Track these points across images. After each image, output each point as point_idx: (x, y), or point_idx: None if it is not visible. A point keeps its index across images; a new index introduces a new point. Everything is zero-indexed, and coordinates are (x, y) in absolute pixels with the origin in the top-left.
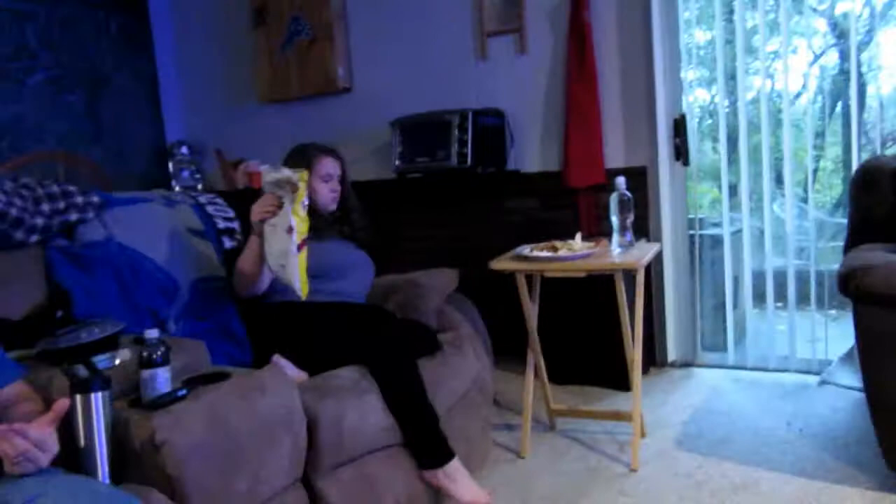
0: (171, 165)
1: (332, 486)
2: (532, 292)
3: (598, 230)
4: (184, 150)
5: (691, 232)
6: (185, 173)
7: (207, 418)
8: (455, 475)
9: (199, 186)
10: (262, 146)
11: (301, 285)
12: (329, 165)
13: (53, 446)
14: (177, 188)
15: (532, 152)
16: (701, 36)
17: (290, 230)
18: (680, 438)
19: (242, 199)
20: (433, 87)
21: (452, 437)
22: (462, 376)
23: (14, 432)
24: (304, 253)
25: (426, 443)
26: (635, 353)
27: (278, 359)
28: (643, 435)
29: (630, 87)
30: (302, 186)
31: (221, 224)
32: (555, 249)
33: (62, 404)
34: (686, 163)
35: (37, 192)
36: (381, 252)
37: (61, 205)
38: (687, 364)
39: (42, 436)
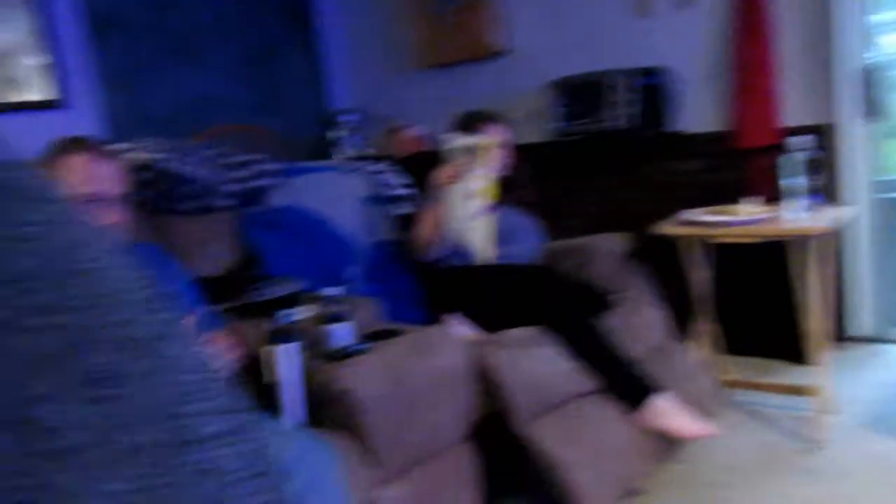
0: (337, 132)
1: (539, 432)
2: (702, 259)
3: (772, 194)
4: (350, 116)
5: (885, 195)
6: (352, 139)
7: (385, 371)
8: (665, 411)
9: (365, 152)
10: (423, 111)
11: (479, 250)
12: (497, 133)
13: None
14: (344, 154)
15: (698, 112)
16: None
17: (472, 195)
18: (870, 418)
19: (415, 165)
20: (593, 46)
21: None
22: (643, 330)
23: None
24: (488, 218)
25: (623, 384)
26: (816, 325)
27: (452, 317)
28: (827, 412)
29: (809, 36)
30: (487, 153)
31: (396, 191)
32: (727, 214)
33: None
34: (878, 118)
35: (229, 161)
36: (541, 216)
37: (250, 172)
38: (880, 339)
39: None
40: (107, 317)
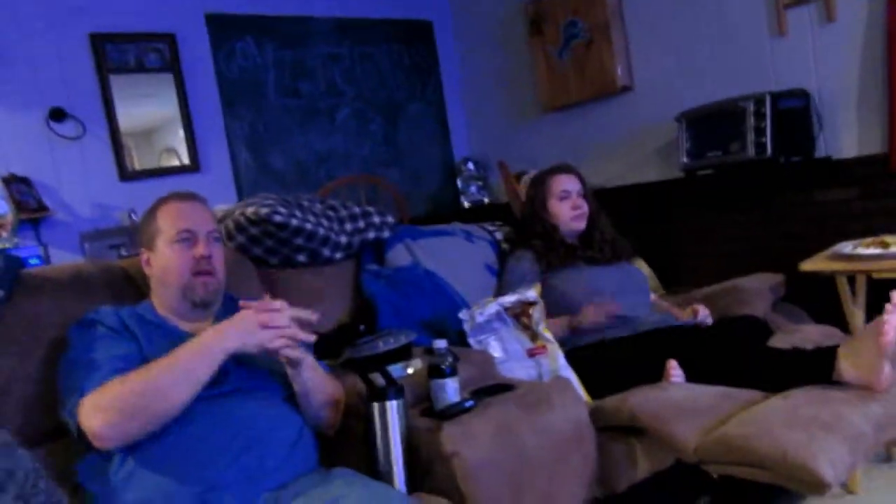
0: (459, 182)
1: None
2: (857, 297)
3: None
4: (470, 165)
5: None
6: (473, 188)
7: (495, 431)
8: (852, 353)
9: (486, 200)
10: (544, 154)
11: None
12: (564, 182)
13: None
14: (465, 203)
15: (847, 135)
16: None
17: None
18: None
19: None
20: (723, 73)
21: None
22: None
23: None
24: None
25: (801, 362)
26: None
27: (674, 365)
28: None
29: None
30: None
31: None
32: (885, 245)
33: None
34: None
35: (340, 213)
36: (670, 259)
37: (361, 224)
38: None
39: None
40: None
